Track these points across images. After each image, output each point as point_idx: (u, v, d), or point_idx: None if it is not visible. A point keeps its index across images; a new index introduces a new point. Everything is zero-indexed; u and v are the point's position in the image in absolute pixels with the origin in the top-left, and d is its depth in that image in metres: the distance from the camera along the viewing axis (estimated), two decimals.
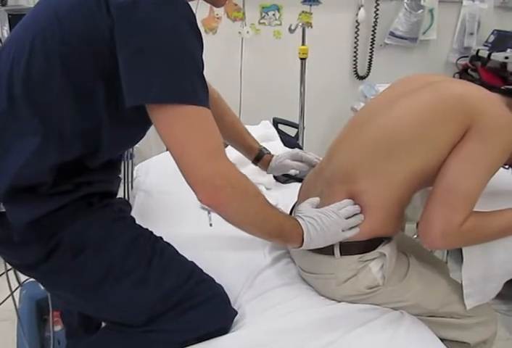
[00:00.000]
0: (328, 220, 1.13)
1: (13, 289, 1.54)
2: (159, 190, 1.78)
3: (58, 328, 1.75)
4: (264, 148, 1.62)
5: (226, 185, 0.98)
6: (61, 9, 1.00)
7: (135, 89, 0.95)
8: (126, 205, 1.31)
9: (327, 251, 1.21)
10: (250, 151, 1.61)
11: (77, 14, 0.97)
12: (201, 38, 1.01)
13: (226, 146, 1.86)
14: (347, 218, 1.16)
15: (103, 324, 1.37)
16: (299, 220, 1.13)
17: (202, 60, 1.00)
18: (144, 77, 0.93)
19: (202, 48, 1.01)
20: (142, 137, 1.21)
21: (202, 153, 0.97)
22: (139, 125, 1.12)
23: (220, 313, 1.17)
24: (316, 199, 1.21)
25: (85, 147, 1.08)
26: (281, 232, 1.10)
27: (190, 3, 1.00)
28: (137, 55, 0.93)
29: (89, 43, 0.97)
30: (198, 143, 0.97)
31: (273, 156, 1.60)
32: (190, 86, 0.96)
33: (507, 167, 1.31)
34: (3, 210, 1.08)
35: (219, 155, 0.99)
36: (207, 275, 1.21)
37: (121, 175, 1.74)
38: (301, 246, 1.13)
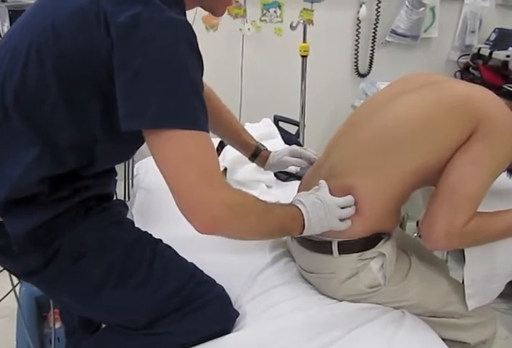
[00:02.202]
0: (323, 204, 1.13)
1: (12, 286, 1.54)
2: (159, 187, 1.76)
3: (57, 325, 1.75)
4: (261, 144, 1.60)
5: (224, 210, 0.95)
6: (58, 18, 0.97)
7: (132, 113, 0.92)
8: (123, 207, 1.30)
9: (326, 250, 1.21)
10: (246, 148, 1.59)
11: (75, 28, 0.95)
12: (202, 59, 0.98)
13: (226, 144, 1.86)
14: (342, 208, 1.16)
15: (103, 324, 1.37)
16: (300, 206, 1.13)
17: (202, 82, 0.98)
18: (141, 101, 0.91)
19: (202, 69, 0.99)
20: (136, 151, 1.19)
21: (197, 181, 0.93)
22: (134, 143, 1.10)
23: (221, 315, 1.16)
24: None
25: (80, 160, 1.07)
26: (282, 228, 1.11)
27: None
28: (135, 78, 0.91)
29: (85, 59, 0.95)
30: (193, 171, 0.93)
31: (270, 152, 1.59)
32: (188, 111, 0.93)
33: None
34: (1, 220, 1.06)
35: (215, 182, 0.95)
36: (208, 276, 1.21)
37: (121, 173, 1.73)
38: (301, 233, 1.13)
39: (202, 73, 0.99)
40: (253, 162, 1.61)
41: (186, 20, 0.97)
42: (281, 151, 1.58)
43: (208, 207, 0.93)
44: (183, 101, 0.92)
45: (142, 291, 1.12)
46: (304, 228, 1.12)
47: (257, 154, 1.58)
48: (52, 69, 0.96)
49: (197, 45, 0.97)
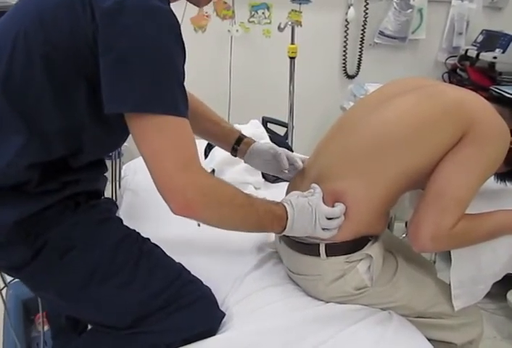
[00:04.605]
0: (313, 211, 1.13)
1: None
2: (147, 189, 1.76)
3: (45, 328, 1.74)
4: (242, 134, 1.54)
5: (197, 195, 0.98)
6: (45, 8, 0.99)
7: (115, 97, 0.95)
8: (113, 205, 1.30)
9: (313, 252, 1.21)
10: (229, 136, 1.51)
11: (61, 14, 0.97)
12: (184, 48, 1.00)
13: (214, 145, 1.85)
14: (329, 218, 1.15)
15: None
16: (288, 207, 1.13)
17: (184, 70, 1.00)
18: (125, 85, 0.93)
19: (185, 57, 1.01)
20: (124, 141, 1.20)
21: (175, 164, 0.96)
22: (121, 130, 1.10)
23: (207, 315, 1.16)
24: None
25: (68, 148, 1.08)
26: (259, 225, 1.12)
27: (177, 2, 0.99)
28: (119, 63, 0.93)
29: (72, 45, 0.96)
30: (172, 154, 0.96)
31: (254, 141, 1.52)
32: (170, 97, 0.96)
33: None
34: None
35: (192, 166, 0.99)
36: (195, 276, 1.21)
37: (109, 174, 1.72)
38: (280, 233, 1.15)
39: (184, 60, 1.01)
40: (236, 150, 1.52)
41: (171, 9, 0.98)
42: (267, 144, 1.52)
43: (182, 190, 0.97)
44: (164, 86, 0.95)
45: (127, 289, 1.12)
46: (284, 229, 1.13)
47: (241, 139, 1.51)
48: (39, 55, 0.98)
49: (181, 34, 0.99)
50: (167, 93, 0.95)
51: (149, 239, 1.23)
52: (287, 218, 1.12)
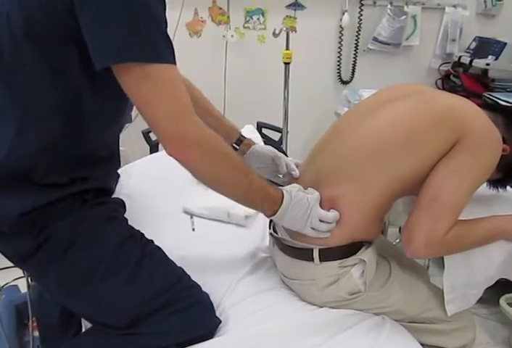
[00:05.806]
0: (308, 208, 1.13)
1: None
2: (142, 194, 1.77)
3: (37, 333, 1.73)
4: (241, 134, 1.53)
5: (192, 143, 0.99)
6: None
7: (99, 51, 0.94)
8: (121, 206, 1.30)
9: (307, 256, 1.21)
10: (231, 134, 1.49)
11: None
12: None
13: None
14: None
15: (83, 325, 1.36)
16: (286, 195, 1.12)
17: (165, 17, 0.99)
18: (105, 38, 0.92)
19: (165, 6, 1.00)
20: (125, 109, 1.18)
21: (169, 111, 0.97)
22: (119, 92, 1.06)
23: (203, 320, 1.16)
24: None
25: (68, 125, 1.07)
26: (248, 199, 1.11)
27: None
28: (97, 17, 0.92)
29: (50, 13, 0.95)
30: (164, 101, 0.96)
31: (254, 143, 1.51)
32: (150, 44, 0.94)
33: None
34: None
35: (187, 113, 0.99)
36: (194, 281, 1.21)
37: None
38: (270, 216, 1.14)
39: (165, 8, 1.00)
40: (235, 150, 1.48)
41: None
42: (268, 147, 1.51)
43: (176, 134, 0.98)
44: (144, 34, 0.94)
45: (127, 289, 1.12)
46: (274, 214, 1.12)
47: (241, 140, 1.50)
48: (23, 33, 0.98)
49: None
50: (147, 40, 0.94)
51: (152, 241, 1.23)
52: (281, 205, 1.11)
